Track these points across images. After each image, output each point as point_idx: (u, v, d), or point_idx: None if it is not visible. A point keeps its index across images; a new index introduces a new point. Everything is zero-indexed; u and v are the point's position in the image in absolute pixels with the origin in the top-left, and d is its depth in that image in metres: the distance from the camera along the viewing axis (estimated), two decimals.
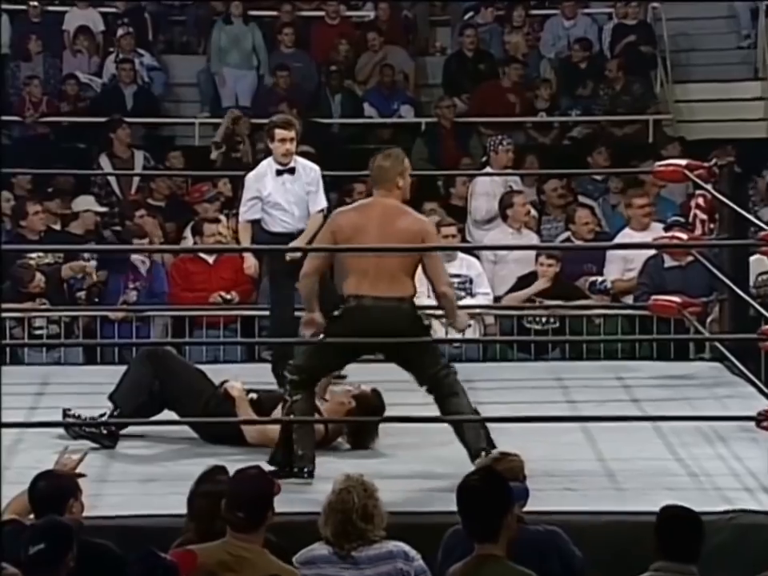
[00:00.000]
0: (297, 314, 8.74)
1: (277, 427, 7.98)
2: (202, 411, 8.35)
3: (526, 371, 9.99)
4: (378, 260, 7.76)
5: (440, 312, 8.73)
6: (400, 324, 7.74)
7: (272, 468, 7.54)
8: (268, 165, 9.27)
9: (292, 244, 9.03)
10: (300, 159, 9.31)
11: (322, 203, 9.31)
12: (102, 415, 8.29)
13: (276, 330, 9.43)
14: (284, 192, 9.16)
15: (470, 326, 9.67)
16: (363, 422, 8.31)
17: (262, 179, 9.20)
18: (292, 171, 9.19)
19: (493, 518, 5.56)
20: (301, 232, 9.13)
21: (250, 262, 9.65)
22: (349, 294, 7.77)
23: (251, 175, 9.34)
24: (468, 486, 5.67)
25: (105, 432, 8.23)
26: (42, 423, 8.46)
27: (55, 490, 6.00)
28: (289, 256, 8.91)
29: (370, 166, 8.09)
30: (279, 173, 9.17)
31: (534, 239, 11.83)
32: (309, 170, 9.25)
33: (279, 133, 9.15)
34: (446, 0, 16.78)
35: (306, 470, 7.66)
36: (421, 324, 7.98)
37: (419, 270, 7.79)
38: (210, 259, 11.20)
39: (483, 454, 7.32)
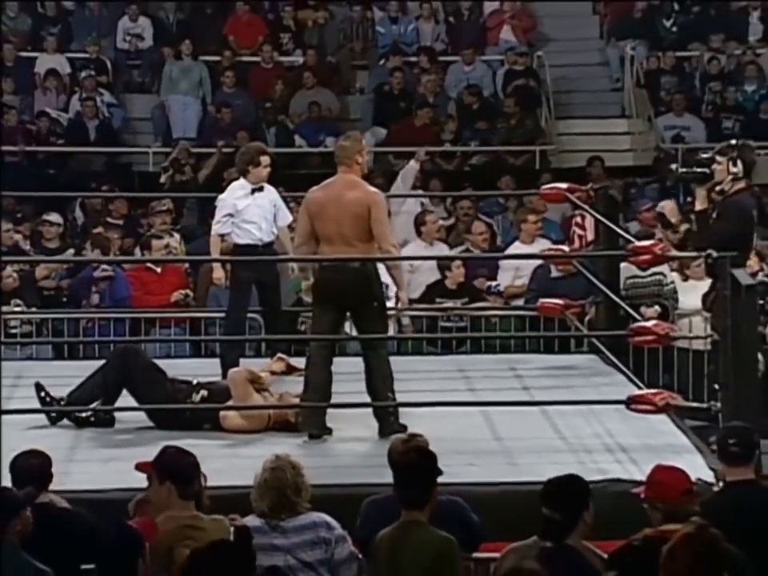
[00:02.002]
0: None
1: (255, 414, 8.12)
2: (165, 399, 8.30)
3: (435, 364, 9.95)
4: (338, 226, 7.99)
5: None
6: (357, 278, 7.98)
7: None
8: (240, 186, 9.28)
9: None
10: None
11: (289, 218, 9.41)
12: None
13: (230, 331, 9.37)
14: (256, 207, 9.18)
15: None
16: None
17: (238, 197, 9.19)
18: (262, 189, 9.24)
19: (423, 489, 5.59)
20: (266, 243, 9.14)
21: (220, 274, 9.58)
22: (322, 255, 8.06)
23: (224, 196, 9.32)
24: (405, 461, 5.69)
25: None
26: (20, 410, 8.30)
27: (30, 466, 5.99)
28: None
29: (337, 147, 8.33)
30: (253, 191, 9.18)
31: (444, 250, 11.79)
32: (270, 190, 9.31)
33: (264, 159, 9.24)
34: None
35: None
36: (378, 280, 8.16)
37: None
38: (158, 269, 11.14)
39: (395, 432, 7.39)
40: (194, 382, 8.46)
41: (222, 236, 9.33)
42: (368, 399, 8.12)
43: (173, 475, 5.76)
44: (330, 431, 8.09)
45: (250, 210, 9.17)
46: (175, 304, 10.94)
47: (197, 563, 4.67)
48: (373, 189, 8.37)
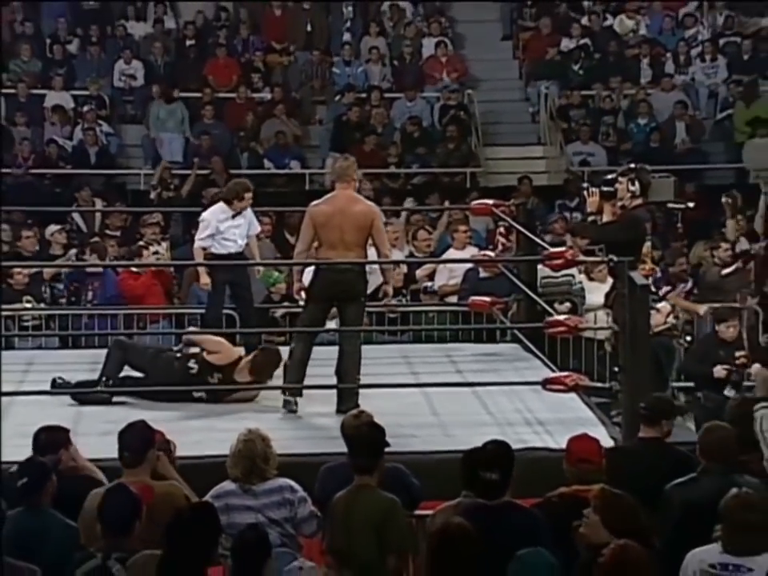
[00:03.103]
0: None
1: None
2: (164, 365, 8.32)
3: (382, 351, 9.89)
4: (342, 234, 7.96)
5: None
6: (353, 282, 7.97)
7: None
8: (222, 210, 9.17)
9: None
10: None
11: (257, 229, 9.44)
12: (90, 382, 8.29)
13: (210, 323, 9.29)
14: (234, 228, 9.09)
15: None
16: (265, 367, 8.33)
17: (220, 220, 9.10)
18: (239, 214, 9.16)
19: (372, 457, 5.59)
20: (239, 252, 9.11)
21: (206, 280, 9.40)
22: (324, 258, 8.03)
23: (208, 217, 9.20)
24: (356, 434, 5.70)
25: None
26: (32, 392, 8.23)
27: (53, 439, 5.94)
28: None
29: (331, 167, 8.35)
30: (234, 216, 9.11)
31: (400, 256, 11.63)
32: (246, 212, 9.22)
33: (248, 195, 9.18)
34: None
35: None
36: (365, 283, 8.16)
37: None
38: (144, 274, 11.09)
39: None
40: (177, 353, 8.50)
41: (202, 248, 9.25)
42: (332, 381, 8.07)
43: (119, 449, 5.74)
44: (300, 394, 8.08)
45: (229, 231, 9.11)
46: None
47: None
48: (371, 203, 8.39)
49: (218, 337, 8.63)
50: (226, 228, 9.10)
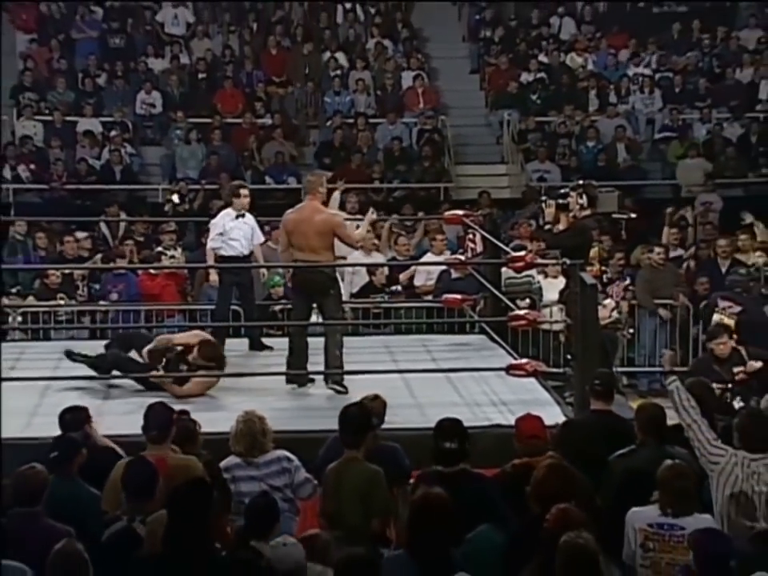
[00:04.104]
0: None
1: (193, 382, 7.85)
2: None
3: (366, 342, 9.84)
4: (306, 240, 7.97)
5: None
6: (320, 277, 7.99)
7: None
8: (227, 213, 9.18)
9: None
10: None
11: (261, 239, 9.39)
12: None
13: (219, 318, 9.23)
14: (238, 229, 9.06)
15: None
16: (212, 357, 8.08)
17: (226, 221, 9.07)
18: (243, 215, 9.10)
19: (357, 434, 5.55)
20: (245, 255, 9.01)
21: (215, 277, 9.42)
22: (295, 260, 8.06)
23: (216, 220, 9.18)
24: (347, 412, 5.67)
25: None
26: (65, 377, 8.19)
27: (75, 418, 5.89)
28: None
29: (304, 181, 8.49)
30: (237, 217, 9.06)
31: (381, 259, 11.62)
32: (249, 217, 9.20)
33: (243, 191, 9.17)
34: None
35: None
36: (333, 279, 8.16)
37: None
38: (160, 275, 11.12)
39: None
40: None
41: (214, 250, 9.19)
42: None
43: (144, 427, 5.67)
44: (312, 380, 8.07)
45: (234, 231, 9.07)
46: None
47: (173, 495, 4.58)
48: (332, 212, 8.38)
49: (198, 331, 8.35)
50: (231, 228, 9.05)
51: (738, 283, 10.48)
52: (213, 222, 9.26)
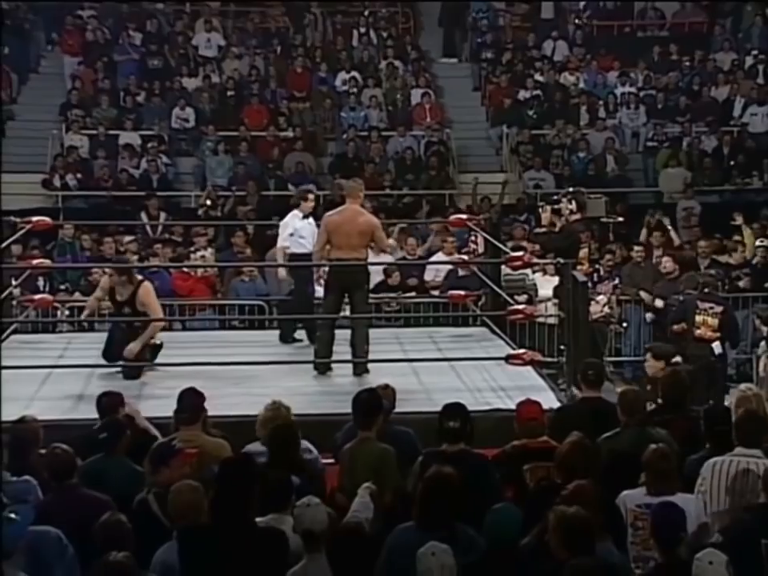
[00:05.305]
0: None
1: None
2: None
3: (380, 334, 9.76)
4: (349, 239, 7.98)
5: None
6: (357, 274, 8.04)
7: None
8: (294, 215, 9.11)
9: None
10: None
11: None
12: None
13: (298, 307, 9.01)
14: (306, 228, 9.00)
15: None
16: None
17: (296, 222, 9.02)
18: (308, 216, 9.07)
19: (369, 416, 5.52)
20: (309, 253, 8.82)
21: (283, 273, 9.26)
22: (335, 258, 8.02)
23: (287, 221, 9.10)
24: (359, 397, 5.65)
25: None
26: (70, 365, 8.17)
27: (111, 402, 5.88)
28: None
29: (345, 186, 8.40)
30: (304, 217, 9.04)
31: (391, 258, 11.43)
32: (311, 220, 9.09)
33: (310, 196, 9.16)
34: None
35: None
36: (367, 274, 8.22)
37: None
38: (192, 274, 11.08)
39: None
40: None
41: (284, 248, 9.10)
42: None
43: (177, 410, 5.62)
44: (330, 368, 8.08)
45: (303, 230, 9.01)
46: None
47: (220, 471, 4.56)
48: (373, 216, 8.45)
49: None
50: (301, 227, 9.00)
51: (709, 283, 10.39)
52: (282, 222, 9.20)
